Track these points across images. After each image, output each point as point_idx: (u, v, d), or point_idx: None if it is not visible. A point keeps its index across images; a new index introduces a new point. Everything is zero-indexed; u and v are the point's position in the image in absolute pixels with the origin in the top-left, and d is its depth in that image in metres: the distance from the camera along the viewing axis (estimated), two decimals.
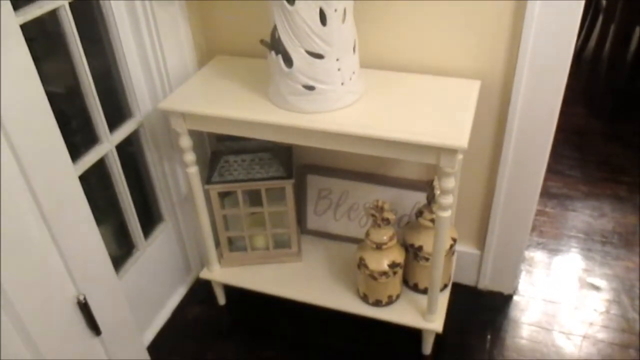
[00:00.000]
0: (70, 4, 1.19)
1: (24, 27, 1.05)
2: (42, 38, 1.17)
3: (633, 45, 3.18)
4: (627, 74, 2.97)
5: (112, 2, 1.29)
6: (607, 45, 2.85)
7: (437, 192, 1.35)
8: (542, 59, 1.26)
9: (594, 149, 2.42)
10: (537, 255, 1.88)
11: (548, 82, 1.29)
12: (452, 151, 1.11)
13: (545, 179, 1.57)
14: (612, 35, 2.80)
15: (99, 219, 1.27)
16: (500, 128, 1.42)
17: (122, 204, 1.49)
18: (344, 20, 1.13)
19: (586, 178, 2.23)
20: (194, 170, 1.43)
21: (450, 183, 1.18)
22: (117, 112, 1.42)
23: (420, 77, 1.35)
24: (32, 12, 1.11)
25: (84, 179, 1.23)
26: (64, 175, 1.16)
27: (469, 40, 1.31)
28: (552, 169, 2.26)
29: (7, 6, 1.00)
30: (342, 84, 1.19)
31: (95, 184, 1.38)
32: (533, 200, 1.51)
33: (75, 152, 1.27)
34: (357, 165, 1.65)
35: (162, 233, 1.64)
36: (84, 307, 1.14)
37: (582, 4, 1.18)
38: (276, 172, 1.50)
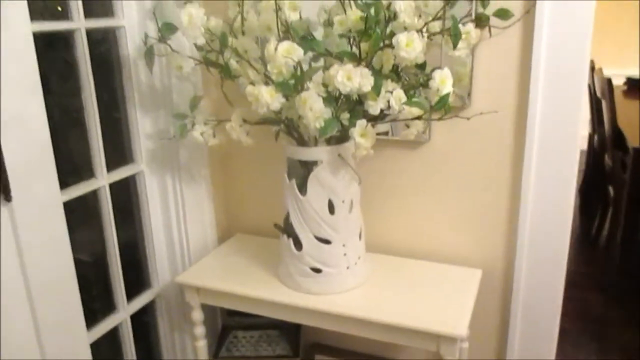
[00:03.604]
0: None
1: (66, 204, 1.19)
2: (79, 211, 1.30)
3: None
4: None
5: (147, 181, 1.45)
6: (619, 232, 2.92)
7: None
8: (540, 249, 1.33)
9: (613, 337, 2.35)
10: None
11: (548, 271, 1.34)
12: (451, 339, 1.13)
13: None
14: (622, 224, 2.88)
15: None
16: (504, 316, 1.44)
17: None
18: (350, 210, 1.24)
19: None
20: (202, 344, 1.45)
21: None
22: (136, 281, 1.50)
23: (423, 263, 1.42)
24: (75, 192, 1.25)
25: (93, 345, 1.27)
26: (77, 342, 1.21)
27: (469, 230, 1.40)
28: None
29: (54, 185, 1.15)
30: (348, 267, 1.26)
31: (104, 351, 1.40)
32: None
33: (91, 318, 1.32)
34: (364, 347, 1.65)
35: None
36: None
37: (573, 195, 1.27)
38: (283, 351, 1.51)
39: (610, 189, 2.99)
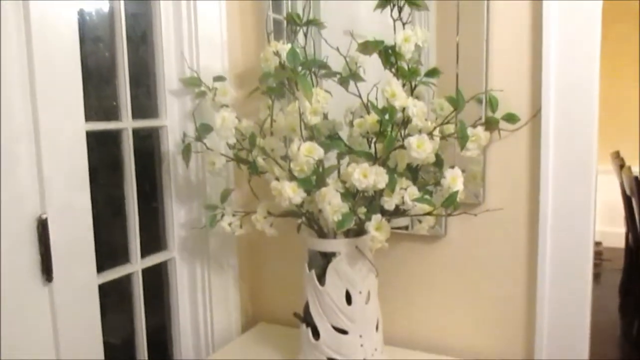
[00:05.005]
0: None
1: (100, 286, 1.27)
2: (112, 294, 1.37)
3: None
4: None
5: (177, 267, 1.53)
6: None
7: None
8: (560, 346, 1.32)
9: None
10: None
11: None
12: None
13: None
14: None
15: None
16: None
17: None
18: (367, 301, 1.28)
19: None
20: None
21: None
22: None
23: (441, 359, 1.41)
24: (110, 276, 1.34)
25: None
26: None
27: (486, 324, 1.40)
28: None
29: (92, 268, 1.24)
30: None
31: None
32: None
33: None
34: None
35: None
36: None
37: (590, 288, 1.28)
38: None
39: None
